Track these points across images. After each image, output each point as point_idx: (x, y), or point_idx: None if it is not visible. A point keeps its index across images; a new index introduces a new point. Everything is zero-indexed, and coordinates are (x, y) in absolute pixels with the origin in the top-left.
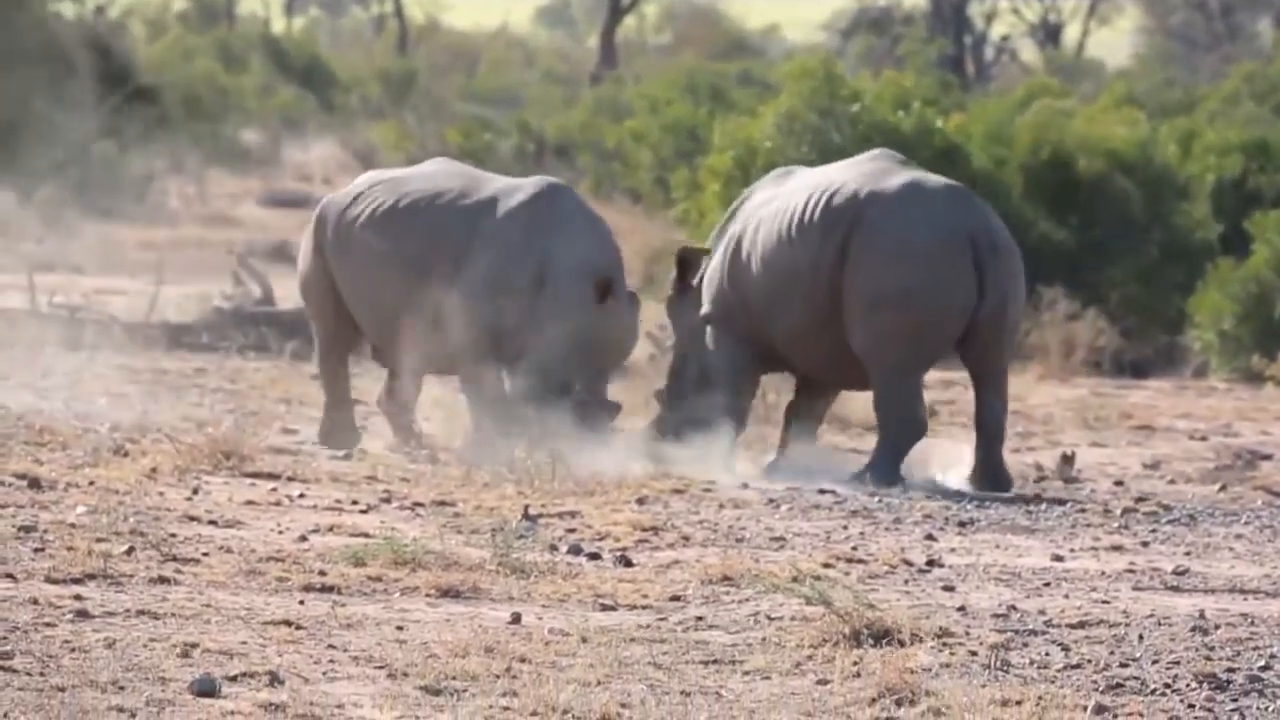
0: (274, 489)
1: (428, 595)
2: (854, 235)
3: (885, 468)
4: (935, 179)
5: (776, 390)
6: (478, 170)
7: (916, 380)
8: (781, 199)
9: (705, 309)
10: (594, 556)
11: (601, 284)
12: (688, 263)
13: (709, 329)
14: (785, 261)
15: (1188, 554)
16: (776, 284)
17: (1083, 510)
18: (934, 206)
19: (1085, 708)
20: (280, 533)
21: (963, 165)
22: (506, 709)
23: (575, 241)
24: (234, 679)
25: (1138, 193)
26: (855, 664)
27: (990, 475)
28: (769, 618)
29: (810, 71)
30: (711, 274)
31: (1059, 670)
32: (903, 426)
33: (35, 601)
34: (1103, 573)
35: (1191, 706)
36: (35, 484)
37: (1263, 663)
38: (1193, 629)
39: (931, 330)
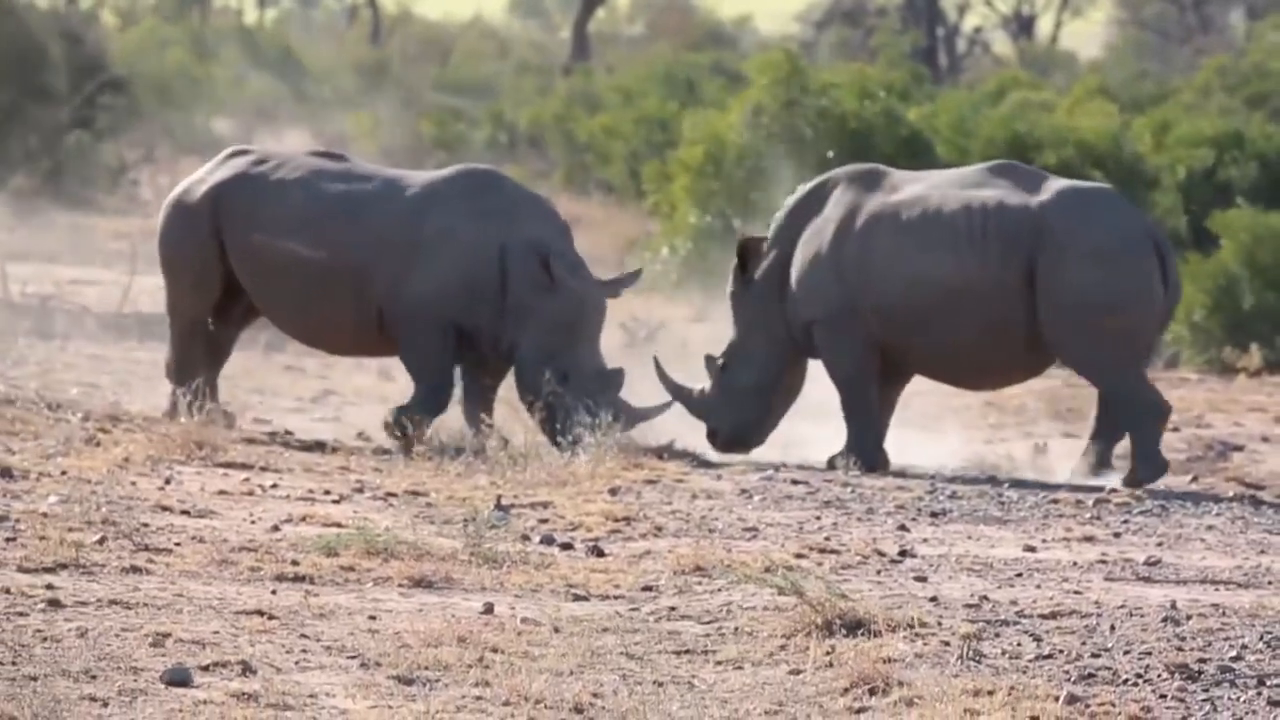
0: (246, 479)
1: (400, 585)
2: (1041, 250)
3: (1154, 456)
4: (1082, 184)
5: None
6: (367, 164)
7: (1142, 370)
8: (916, 207)
9: (811, 313)
10: (566, 546)
11: (544, 260)
12: (751, 252)
13: (816, 332)
14: (950, 278)
15: (1160, 545)
16: (937, 298)
17: (1055, 501)
18: (1115, 212)
19: (1057, 698)
20: (253, 523)
21: (926, 155)
22: (479, 699)
23: (527, 226)
24: (206, 669)
25: (1108, 183)
26: (828, 654)
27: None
28: (741, 608)
29: (776, 65)
30: (813, 279)
31: (1031, 660)
32: (1151, 414)
33: (7, 591)
34: (1075, 563)
35: (1163, 697)
36: (7, 473)
37: (1234, 653)
38: (1164, 620)
39: (1141, 329)
